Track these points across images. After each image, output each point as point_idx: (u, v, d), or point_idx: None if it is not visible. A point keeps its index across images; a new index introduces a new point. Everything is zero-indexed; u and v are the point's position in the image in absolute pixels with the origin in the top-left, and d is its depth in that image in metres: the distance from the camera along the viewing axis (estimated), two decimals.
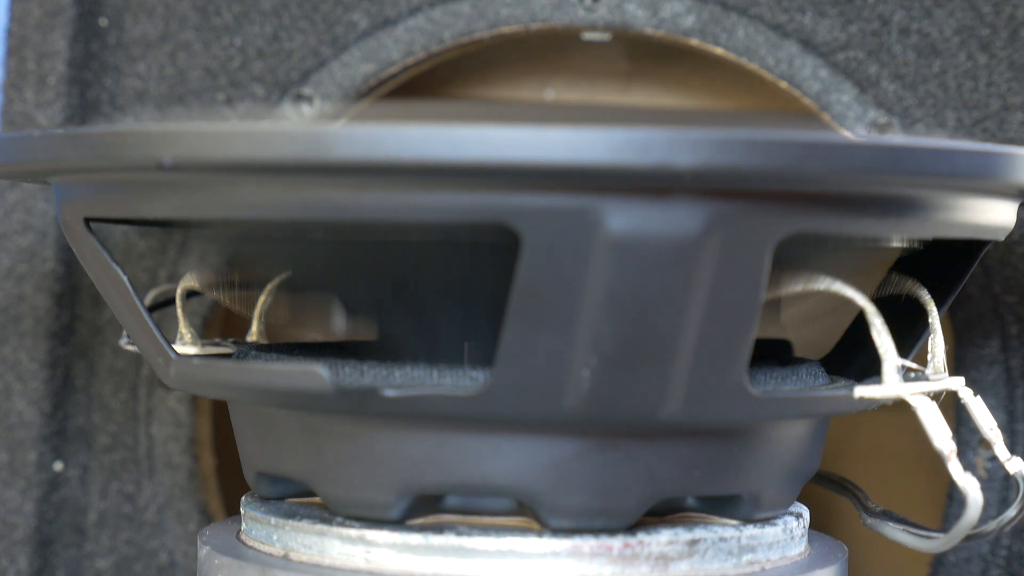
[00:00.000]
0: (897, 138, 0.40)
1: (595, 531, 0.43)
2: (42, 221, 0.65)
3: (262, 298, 0.53)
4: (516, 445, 0.43)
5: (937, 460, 0.42)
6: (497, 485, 0.43)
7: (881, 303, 0.44)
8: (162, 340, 0.45)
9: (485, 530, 0.43)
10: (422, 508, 0.44)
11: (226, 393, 0.46)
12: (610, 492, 0.43)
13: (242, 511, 0.48)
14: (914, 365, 0.47)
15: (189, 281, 0.50)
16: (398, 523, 0.44)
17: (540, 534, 0.43)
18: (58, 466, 0.66)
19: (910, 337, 0.49)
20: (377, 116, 0.40)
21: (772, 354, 0.48)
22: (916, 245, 0.49)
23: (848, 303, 0.43)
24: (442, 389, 0.42)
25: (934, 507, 0.63)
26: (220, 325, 0.66)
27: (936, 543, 0.45)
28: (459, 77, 0.66)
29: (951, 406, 0.54)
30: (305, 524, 0.45)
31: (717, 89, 0.67)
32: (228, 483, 0.67)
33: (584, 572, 0.43)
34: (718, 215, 0.38)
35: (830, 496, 0.53)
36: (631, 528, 0.44)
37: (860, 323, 0.43)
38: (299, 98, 0.63)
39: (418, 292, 0.47)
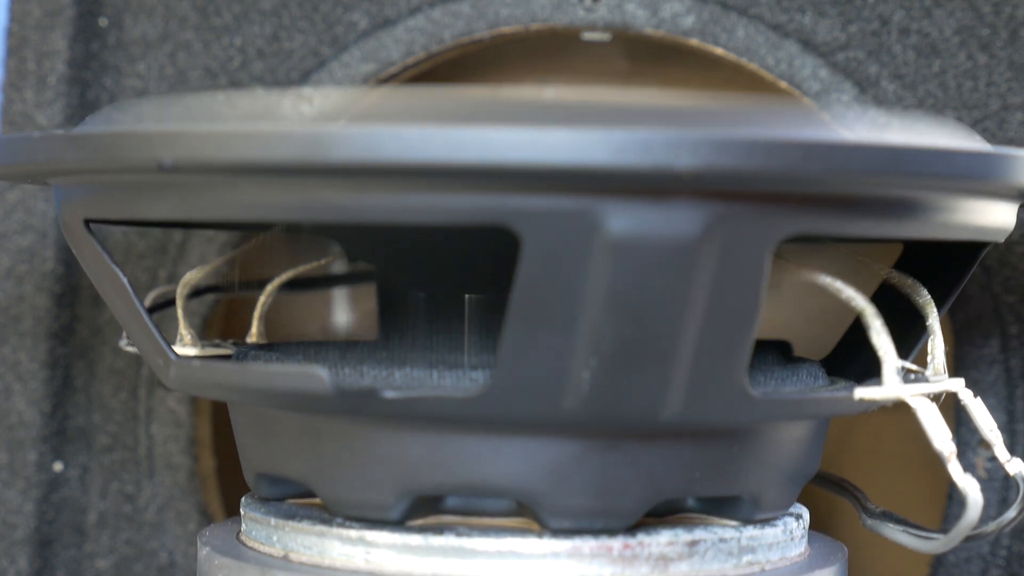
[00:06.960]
0: (897, 139, 0.40)
1: (595, 532, 0.43)
2: (42, 221, 0.65)
3: (262, 299, 0.53)
4: (516, 446, 0.43)
5: (937, 460, 0.42)
6: (497, 486, 0.43)
7: (881, 304, 0.44)
8: (162, 341, 0.45)
9: (485, 531, 0.43)
10: (422, 509, 0.44)
11: (226, 394, 0.46)
12: (610, 493, 0.43)
13: (242, 512, 0.48)
14: (914, 366, 0.47)
15: (189, 281, 0.50)
16: (398, 524, 0.44)
17: (540, 535, 0.43)
18: (58, 466, 0.66)
19: (910, 338, 0.49)
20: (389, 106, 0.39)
21: (772, 354, 0.48)
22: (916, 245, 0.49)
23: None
24: (442, 391, 0.42)
25: (934, 507, 0.63)
26: (220, 325, 0.66)
27: (936, 544, 0.45)
28: (459, 77, 0.66)
29: (951, 406, 0.54)
30: (305, 525, 0.45)
31: (717, 89, 0.67)
32: (228, 483, 0.67)
33: (584, 573, 0.43)
34: (718, 216, 0.38)
35: (830, 496, 0.53)
36: (631, 529, 0.44)
37: (860, 323, 0.43)
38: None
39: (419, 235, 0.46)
